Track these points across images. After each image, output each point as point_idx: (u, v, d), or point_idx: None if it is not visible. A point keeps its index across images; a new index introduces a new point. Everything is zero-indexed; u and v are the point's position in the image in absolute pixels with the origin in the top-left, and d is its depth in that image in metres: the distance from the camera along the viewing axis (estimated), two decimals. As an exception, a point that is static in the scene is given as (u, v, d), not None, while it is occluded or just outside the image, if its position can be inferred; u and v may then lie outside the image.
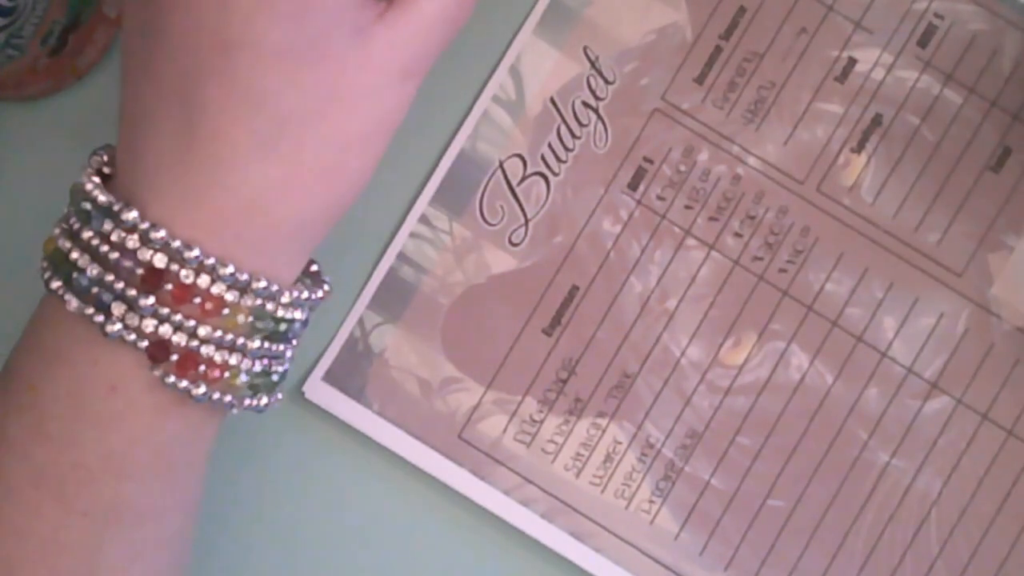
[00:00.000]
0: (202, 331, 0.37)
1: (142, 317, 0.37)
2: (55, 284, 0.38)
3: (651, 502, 0.51)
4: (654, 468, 0.51)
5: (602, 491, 0.51)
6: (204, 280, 0.37)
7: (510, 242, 0.52)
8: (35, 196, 0.52)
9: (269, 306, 0.38)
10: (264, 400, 0.40)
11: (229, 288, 0.37)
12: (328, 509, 0.52)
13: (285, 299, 0.38)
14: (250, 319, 0.38)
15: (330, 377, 0.51)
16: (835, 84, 0.52)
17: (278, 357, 0.40)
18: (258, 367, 0.39)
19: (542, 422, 0.51)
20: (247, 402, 0.39)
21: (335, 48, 0.37)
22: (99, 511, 0.38)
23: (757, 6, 0.52)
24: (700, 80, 0.53)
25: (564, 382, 0.52)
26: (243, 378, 0.39)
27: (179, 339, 0.37)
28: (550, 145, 0.52)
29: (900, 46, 0.53)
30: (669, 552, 0.51)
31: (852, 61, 0.53)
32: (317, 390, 0.51)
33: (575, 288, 0.52)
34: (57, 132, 0.52)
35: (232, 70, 0.36)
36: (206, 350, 0.37)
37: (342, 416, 0.51)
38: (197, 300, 0.37)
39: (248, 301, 0.38)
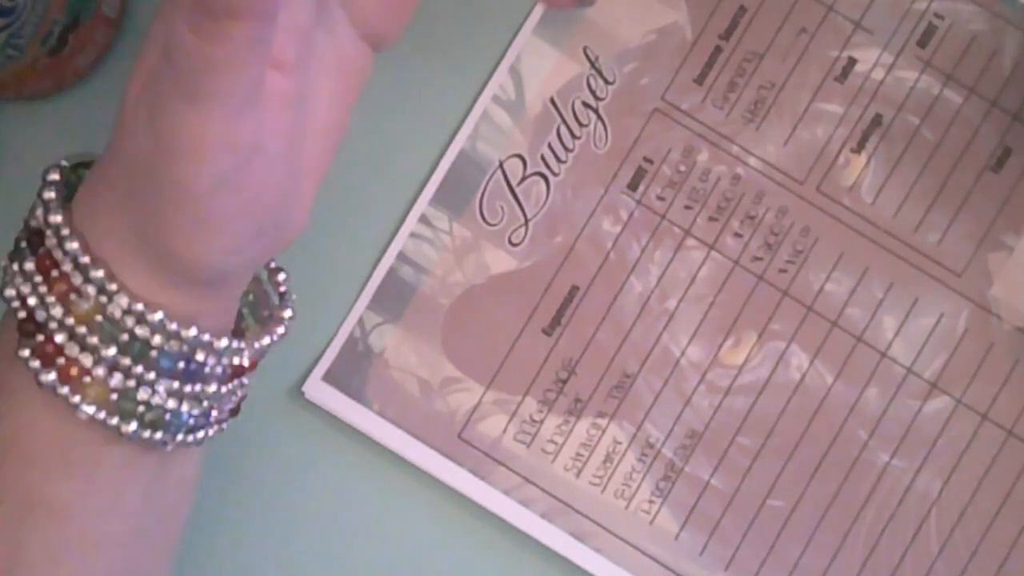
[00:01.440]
0: (55, 311, 0.37)
1: (23, 279, 0.37)
2: None
3: (651, 502, 0.51)
4: (654, 468, 0.51)
5: (602, 491, 0.51)
6: (68, 265, 0.37)
7: (510, 242, 0.52)
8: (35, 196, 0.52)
9: (116, 312, 0.37)
10: (133, 426, 0.38)
11: (89, 284, 0.37)
12: (327, 508, 0.52)
13: (152, 318, 0.37)
14: (97, 317, 0.37)
15: (330, 377, 0.51)
16: (835, 84, 0.52)
17: (146, 383, 0.38)
18: (115, 380, 0.38)
19: (542, 422, 0.51)
20: (113, 421, 0.38)
21: None
22: (12, 499, 0.38)
23: (757, 6, 0.52)
24: (700, 80, 0.53)
25: (564, 382, 0.52)
26: (109, 392, 0.37)
27: (40, 315, 0.37)
28: (550, 145, 0.52)
29: (900, 46, 0.53)
30: (669, 552, 0.51)
31: (852, 61, 0.53)
32: (317, 390, 0.51)
33: (575, 288, 0.52)
34: (57, 132, 0.52)
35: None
36: (60, 337, 0.37)
37: (342, 416, 0.51)
38: (55, 273, 0.37)
39: (99, 298, 0.37)
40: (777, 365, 0.52)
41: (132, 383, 0.38)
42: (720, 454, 0.51)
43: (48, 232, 0.37)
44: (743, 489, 0.51)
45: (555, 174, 0.52)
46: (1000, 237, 0.52)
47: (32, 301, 0.37)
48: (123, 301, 0.37)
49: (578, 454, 0.51)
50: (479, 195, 0.52)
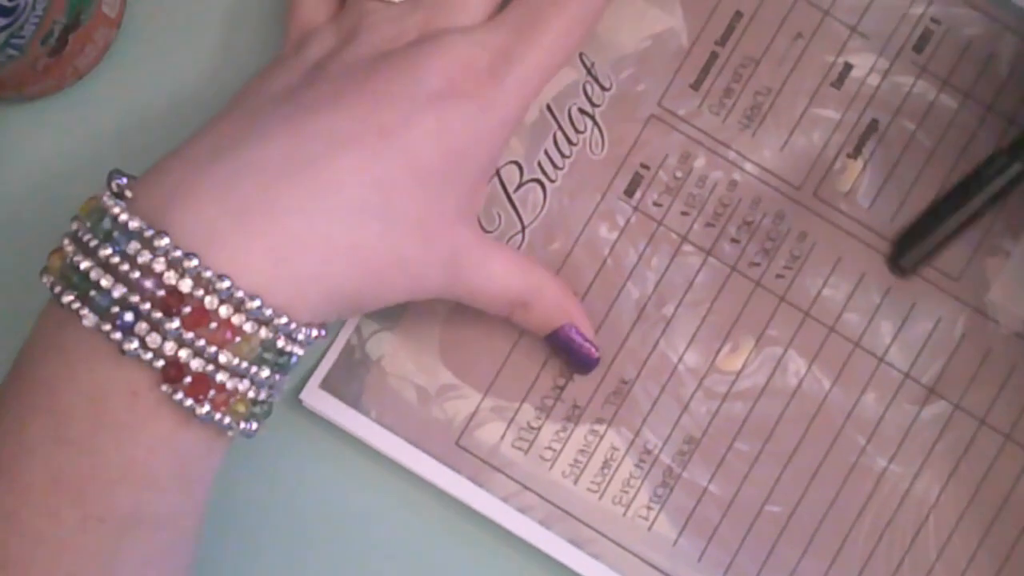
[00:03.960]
0: (222, 358, 0.38)
1: (164, 339, 0.37)
2: (68, 298, 0.38)
3: (649, 508, 0.51)
4: (652, 474, 0.51)
5: (600, 497, 0.51)
6: (226, 310, 0.37)
7: (507, 248, 0.52)
8: (35, 196, 0.52)
9: (280, 341, 0.39)
10: (254, 426, 0.41)
11: (249, 320, 0.38)
12: (325, 516, 0.51)
13: (301, 336, 0.39)
14: (258, 349, 0.38)
15: (327, 384, 0.51)
16: (831, 89, 0.53)
17: (275, 387, 0.41)
18: (263, 395, 0.40)
19: (540, 429, 0.51)
20: (242, 426, 0.40)
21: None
22: (117, 518, 0.38)
23: (753, 11, 0.53)
24: (696, 86, 0.53)
25: (562, 388, 0.51)
26: (249, 404, 0.40)
27: (196, 363, 0.37)
28: (546, 152, 0.52)
29: (896, 51, 0.53)
30: (667, 558, 0.51)
31: (848, 66, 0.53)
32: (314, 397, 0.51)
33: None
34: (57, 132, 0.52)
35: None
36: (221, 376, 0.38)
37: (339, 423, 0.51)
38: (213, 325, 0.37)
39: (263, 333, 0.38)
40: (775, 371, 0.52)
41: (266, 389, 0.40)
42: (718, 460, 0.51)
43: (199, 292, 0.37)
44: (741, 495, 0.51)
45: (552, 181, 0.52)
46: (997, 242, 0.52)
47: (185, 354, 0.38)
48: (300, 336, 0.40)
49: (576, 460, 0.51)
50: (476, 201, 0.52)
